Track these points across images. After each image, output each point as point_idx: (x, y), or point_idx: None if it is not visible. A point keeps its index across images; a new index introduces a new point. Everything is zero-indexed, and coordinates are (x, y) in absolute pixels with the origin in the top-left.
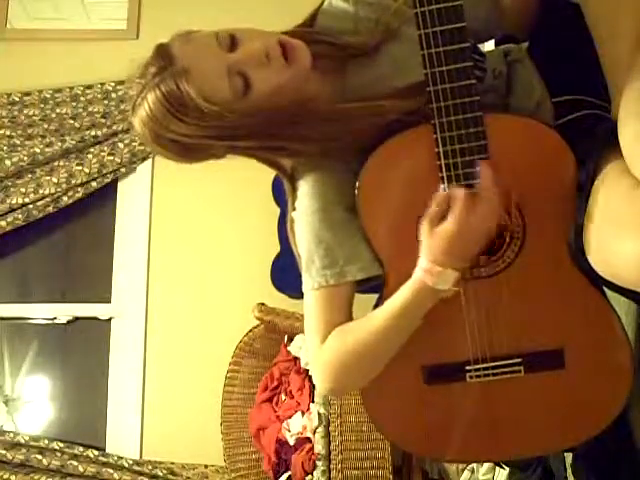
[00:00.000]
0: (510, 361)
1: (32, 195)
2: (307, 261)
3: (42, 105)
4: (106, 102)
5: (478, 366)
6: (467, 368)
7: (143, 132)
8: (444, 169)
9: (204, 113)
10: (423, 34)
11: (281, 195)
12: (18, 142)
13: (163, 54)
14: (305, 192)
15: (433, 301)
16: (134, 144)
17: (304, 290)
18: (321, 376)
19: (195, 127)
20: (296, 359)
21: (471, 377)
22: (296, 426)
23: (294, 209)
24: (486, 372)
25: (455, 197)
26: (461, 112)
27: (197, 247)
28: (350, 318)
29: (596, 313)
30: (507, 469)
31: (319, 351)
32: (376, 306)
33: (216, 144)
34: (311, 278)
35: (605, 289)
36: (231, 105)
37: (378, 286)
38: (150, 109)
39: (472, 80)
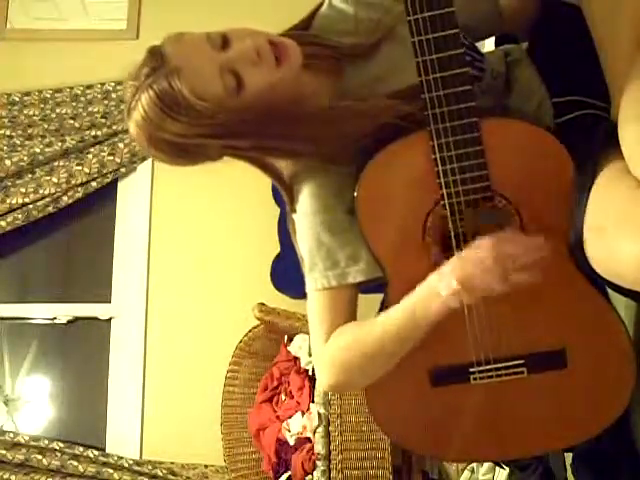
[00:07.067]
0: (513, 362)
1: (32, 195)
2: (310, 263)
3: (42, 105)
4: (106, 102)
5: (482, 368)
6: (471, 370)
7: (138, 134)
8: (441, 175)
9: (197, 111)
10: (417, 41)
11: (281, 195)
12: (18, 142)
13: (155, 55)
14: (305, 195)
15: (437, 309)
16: (134, 144)
17: (307, 290)
18: (324, 373)
19: (188, 126)
20: (296, 359)
21: (475, 379)
22: (296, 426)
23: (294, 211)
24: (490, 374)
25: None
26: (457, 118)
27: (197, 247)
28: (354, 318)
29: (597, 313)
30: (507, 469)
31: (323, 349)
32: (380, 310)
33: (209, 143)
34: (314, 279)
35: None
36: (224, 103)
37: (383, 286)
38: (144, 110)
39: (467, 86)
